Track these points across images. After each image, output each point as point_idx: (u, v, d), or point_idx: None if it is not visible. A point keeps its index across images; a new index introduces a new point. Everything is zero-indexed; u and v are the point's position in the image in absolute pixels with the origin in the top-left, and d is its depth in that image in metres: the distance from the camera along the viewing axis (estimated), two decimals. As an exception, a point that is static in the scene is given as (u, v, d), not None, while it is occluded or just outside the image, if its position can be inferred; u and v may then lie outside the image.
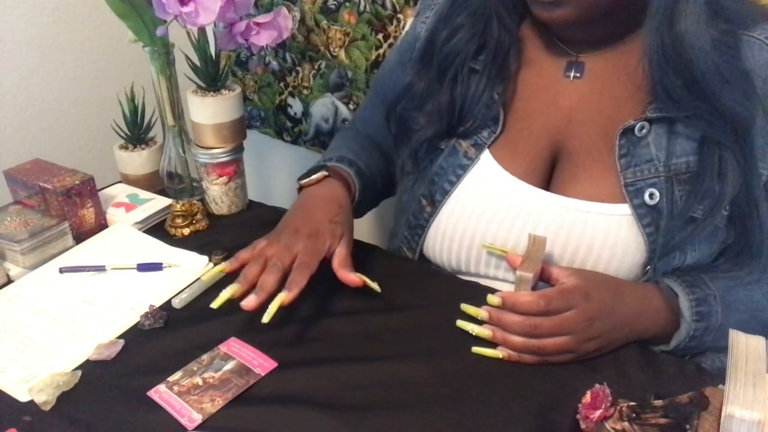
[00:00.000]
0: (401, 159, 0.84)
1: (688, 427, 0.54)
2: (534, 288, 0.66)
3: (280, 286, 0.66)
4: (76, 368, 0.67)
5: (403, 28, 1.13)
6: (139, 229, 0.92)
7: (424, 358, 0.67)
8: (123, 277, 0.81)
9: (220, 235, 0.91)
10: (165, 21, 0.82)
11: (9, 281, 0.81)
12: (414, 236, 0.83)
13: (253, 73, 1.42)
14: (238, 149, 0.95)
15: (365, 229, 1.37)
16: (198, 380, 0.64)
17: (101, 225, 0.91)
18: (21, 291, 0.79)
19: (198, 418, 0.60)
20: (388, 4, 1.14)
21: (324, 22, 1.24)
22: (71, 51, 1.23)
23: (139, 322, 0.73)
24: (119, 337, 0.71)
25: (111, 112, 1.06)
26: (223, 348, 0.68)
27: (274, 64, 1.37)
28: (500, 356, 0.66)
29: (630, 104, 0.72)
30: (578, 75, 0.75)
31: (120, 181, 1.04)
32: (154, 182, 1.03)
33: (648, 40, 0.66)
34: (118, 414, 0.61)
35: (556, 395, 0.63)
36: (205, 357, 0.67)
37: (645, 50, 0.67)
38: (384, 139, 0.91)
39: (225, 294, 0.67)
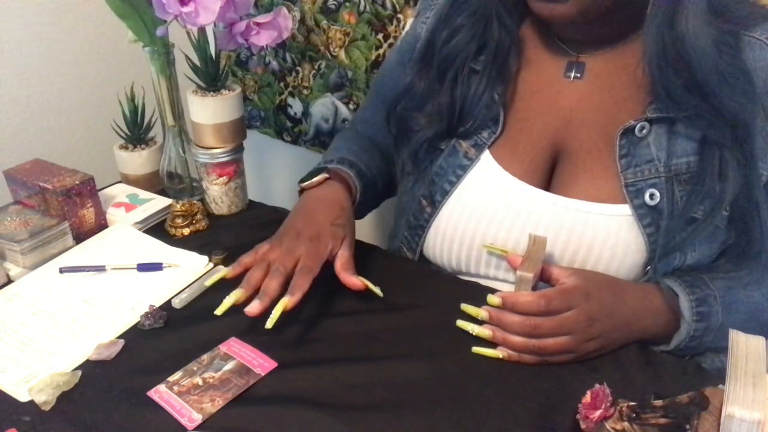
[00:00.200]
0: (401, 159, 0.84)
1: (688, 427, 0.54)
2: (534, 288, 0.66)
3: (283, 291, 0.67)
4: (76, 368, 0.67)
5: (403, 28, 1.13)
6: (139, 229, 0.92)
7: (424, 358, 0.67)
8: (123, 277, 0.81)
9: (220, 235, 0.91)
10: (165, 21, 0.82)
11: (9, 281, 0.81)
12: (414, 237, 0.83)
13: (253, 73, 1.42)
14: (238, 149, 0.95)
15: (365, 229, 1.37)
16: (198, 380, 0.64)
17: (101, 225, 0.91)
18: (21, 291, 0.79)
19: (198, 418, 0.60)
20: (388, 4, 1.14)
21: (324, 22, 1.24)
22: (71, 51, 1.23)
23: (139, 322, 0.73)
24: (119, 337, 0.71)
25: (111, 112, 1.06)
26: (223, 348, 0.68)
27: (274, 64, 1.37)
28: (500, 356, 0.66)
29: (630, 104, 0.72)
30: (578, 75, 0.75)
31: (120, 181, 1.04)
32: (154, 182, 1.03)
33: (648, 41, 0.66)
34: (118, 414, 0.61)
35: (556, 395, 0.63)
36: (205, 357, 0.67)
37: (645, 50, 0.67)
38: (384, 140, 0.91)
39: (229, 300, 0.67)
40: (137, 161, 1.02)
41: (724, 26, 0.66)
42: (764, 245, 0.70)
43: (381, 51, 1.19)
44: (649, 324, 0.69)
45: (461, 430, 0.59)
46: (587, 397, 0.57)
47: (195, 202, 0.93)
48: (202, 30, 0.87)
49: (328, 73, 1.29)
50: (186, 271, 0.82)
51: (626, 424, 0.55)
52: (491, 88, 0.77)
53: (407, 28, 0.92)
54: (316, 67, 1.30)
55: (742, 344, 0.58)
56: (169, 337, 0.71)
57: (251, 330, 0.70)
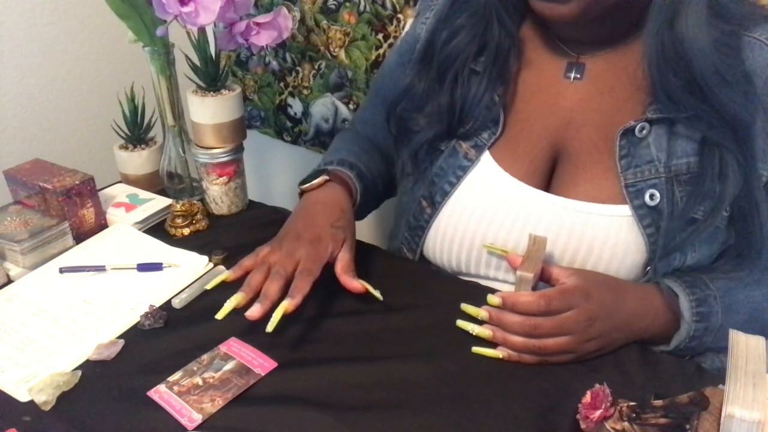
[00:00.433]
0: (401, 160, 0.84)
1: (688, 427, 0.54)
2: (534, 288, 0.66)
3: (284, 294, 0.67)
4: (76, 368, 0.67)
5: (403, 28, 1.13)
6: (139, 229, 0.92)
7: (424, 358, 0.67)
8: (123, 277, 0.81)
9: (220, 235, 0.91)
10: (165, 21, 0.82)
11: (9, 281, 0.81)
12: (414, 237, 0.83)
13: (253, 73, 1.42)
14: (238, 149, 0.95)
15: (366, 229, 1.36)
16: (198, 380, 0.64)
17: (101, 225, 0.91)
18: (21, 291, 0.79)
19: (198, 418, 0.60)
20: (388, 4, 1.14)
21: (324, 22, 1.24)
22: (71, 51, 1.23)
23: (139, 322, 0.73)
24: (119, 337, 0.71)
25: (111, 112, 1.06)
26: (223, 348, 0.68)
27: (274, 64, 1.37)
28: (500, 356, 0.66)
29: (630, 105, 0.72)
30: (578, 76, 0.75)
31: (120, 181, 1.04)
32: (154, 182, 1.03)
33: (648, 41, 0.66)
34: (118, 414, 0.61)
35: (556, 395, 0.63)
36: (205, 357, 0.67)
37: (645, 51, 0.67)
38: (384, 140, 0.91)
39: (229, 304, 0.66)
40: (137, 161, 1.02)
41: (724, 27, 0.66)
42: (764, 245, 0.70)
43: (381, 51, 1.19)
44: (649, 324, 0.69)
45: (461, 430, 0.59)
46: (587, 397, 0.57)
47: (195, 202, 0.93)
48: (202, 30, 0.87)
49: (328, 73, 1.29)
50: (186, 271, 0.82)
51: (626, 424, 0.55)
52: (491, 89, 0.77)
53: (407, 28, 0.92)
54: (316, 67, 1.30)
55: (742, 344, 0.58)
56: (169, 337, 0.71)
57: (251, 330, 0.70)
